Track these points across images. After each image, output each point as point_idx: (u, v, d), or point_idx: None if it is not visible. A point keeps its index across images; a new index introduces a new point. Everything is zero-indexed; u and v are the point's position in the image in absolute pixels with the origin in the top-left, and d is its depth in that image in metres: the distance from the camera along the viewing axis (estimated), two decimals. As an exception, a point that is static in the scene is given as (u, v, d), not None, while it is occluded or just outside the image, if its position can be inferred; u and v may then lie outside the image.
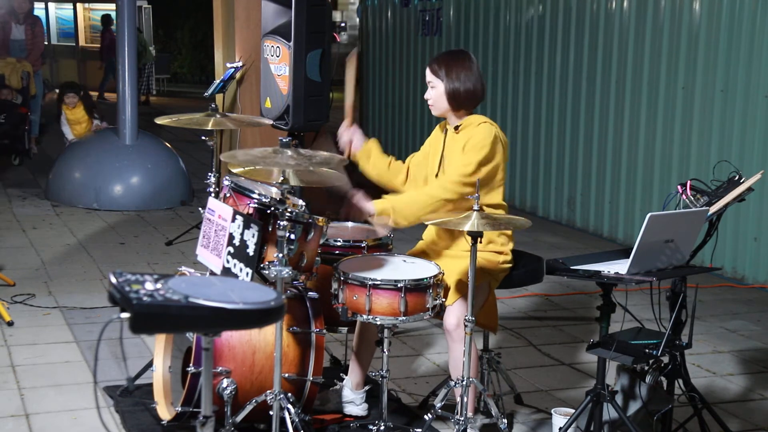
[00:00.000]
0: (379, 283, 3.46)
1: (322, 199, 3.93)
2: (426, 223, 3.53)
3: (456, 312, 3.61)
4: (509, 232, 3.82)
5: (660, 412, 3.60)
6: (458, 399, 3.56)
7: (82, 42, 21.23)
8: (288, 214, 3.33)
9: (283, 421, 3.39)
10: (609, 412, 3.51)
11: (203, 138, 4.64)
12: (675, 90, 7.07)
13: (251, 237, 3.35)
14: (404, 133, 11.27)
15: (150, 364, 3.97)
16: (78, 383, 4.33)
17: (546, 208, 8.68)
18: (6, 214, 7.99)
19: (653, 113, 7.29)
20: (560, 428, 3.63)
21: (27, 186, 9.26)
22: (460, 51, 3.86)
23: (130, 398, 4.06)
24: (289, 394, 3.46)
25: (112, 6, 13.05)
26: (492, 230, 3.49)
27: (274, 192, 3.56)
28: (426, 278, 3.49)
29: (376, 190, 3.80)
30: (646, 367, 3.61)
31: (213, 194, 4.21)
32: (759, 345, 5.30)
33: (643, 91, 7.39)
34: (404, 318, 3.48)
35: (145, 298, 1.91)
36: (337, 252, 3.89)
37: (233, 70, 7.63)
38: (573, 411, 3.67)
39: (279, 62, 5.77)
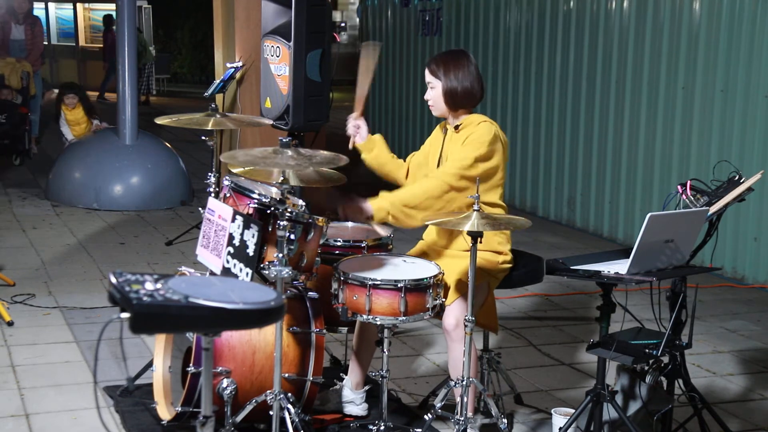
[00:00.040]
0: (379, 283, 3.46)
1: (321, 201, 3.93)
2: (426, 223, 3.53)
3: (455, 312, 3.61)
4: (507, 232, 3.82)
5: (660, 412, 3.59)
6: (458, 399, 3.56)
7: (82, 42, 21.21)
8: (288, 214, 3.33)
9: (283, 421, 3.39)
10: (609, 412, 3.51)
11: (203, 138, 4.64)
12: (675, 90, 7.07)
13: (251, 237, 3.35)
14: (404, 133, 11.27)
15: (150, 364, 3.97)
16: (78, 383, 4.33)
17: (546, 208, 8.68)
18: (6, 214, 7.99)
19: (653, 113, 7.29)
20: (560, 428, 3.63)
21: (27, 186, 9.26)
22: (458, 51, 3.85)
23: (130, 398, 4.06)
24: (289, 394, 3.46)
25: (112, 6, 13.04)
26: (492, 230, 3.49)
27: (274, 192, 3.56)
28: (426, 278, 3.49)
29: (373, 191, 3.80)
30: (646, 367, 3.61)
31: (213, 194, 4.21)
32: (759, 345, 5.30)
33: (643, 91, 7.39)
34: (404, 318, 3.48)
35: (145, 298, 1.91)
36: (337, 252, 3.89)
37: (233, 70, 7.62)
38: (573, 411, 3.67)
39: (279, 62, 5.77)
